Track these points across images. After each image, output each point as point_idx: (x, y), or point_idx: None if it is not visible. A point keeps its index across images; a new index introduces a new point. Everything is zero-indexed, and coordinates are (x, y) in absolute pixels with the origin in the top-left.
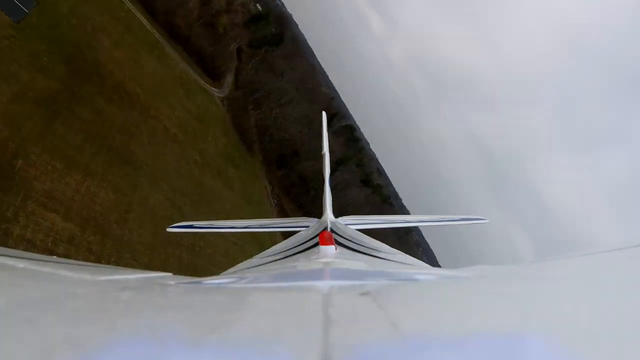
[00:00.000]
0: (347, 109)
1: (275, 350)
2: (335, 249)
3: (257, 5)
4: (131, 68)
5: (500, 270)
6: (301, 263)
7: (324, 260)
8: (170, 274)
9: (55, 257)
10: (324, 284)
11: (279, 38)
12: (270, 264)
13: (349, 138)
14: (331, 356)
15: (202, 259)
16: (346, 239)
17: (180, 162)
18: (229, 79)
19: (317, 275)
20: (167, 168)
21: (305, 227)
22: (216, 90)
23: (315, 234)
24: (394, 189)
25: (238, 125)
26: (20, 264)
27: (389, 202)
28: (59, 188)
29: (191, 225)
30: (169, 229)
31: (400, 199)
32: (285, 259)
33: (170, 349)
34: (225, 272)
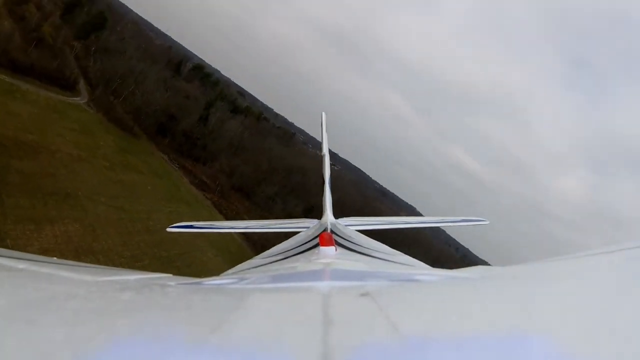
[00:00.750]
0: (188, 50)
1: (275, 351)
2: (336, 249)
3: None
4: (11, 121)
5: (500, 271)
6: (301, 264)
7: (324, 261)
8: (170, 275)
9: (55, 258)
10: (324, 285)
11: (100, 17)
12: (271, 264)
13: (202, 77)
14: (331, 357)
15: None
16: (346, 239)
17: (97, 173)
18: (82, 83)
19: (317, 276)
20: (92, 183)
21: (305, 227)
22: (78, 99)
23: (316, 234)
24: (262, 102)
25: (114, 120)
26: (21, 265)
27: (263, 118)
28: (45, 241)
29: (191, 225)
30: (168, 229)
31: (272, 109)
32: (286, 259)
33: (170, 350)
34: (226, 272)
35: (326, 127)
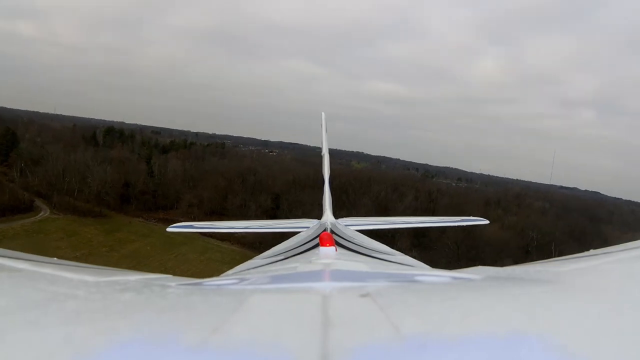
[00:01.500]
0: (86, 119)
1: (275, 352)
2: (336, 250)
3: None
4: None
5: (501, 271)
6: (301, 264)
7: (324, 261)
8: (170, 276)
9: (55, 258)
10: (324, 285)
11: (8, 133)
12: (271, 265)
13: (118, 137)
14: (331, 358)
15: None
16: (346, 240)
17: (105, 259)
18: (36, 200)
19: (317, 276)
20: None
21: (305, 228)
22: (43, 213)
23: (316, 235)
24: (179, 129)
25: (83, 213)
26: (21, 265)
27: (189, 144)
28: None
29: (191, 225)
30: (168, 229)
31: (190, 131)
32: (286, 260)
33: (170, 350)
34: (226, 273)
35: (326, 128)
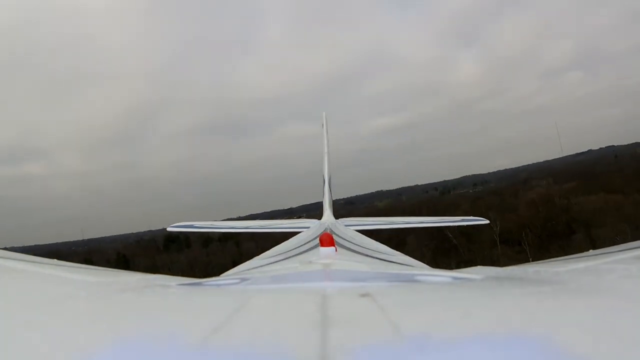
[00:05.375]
0: None
1: (275, 352)
2: (336, 250)
3: None
4: None
5: (501, 271)
6: (301, 264)
7: (325, 261)
8: (170, 276)
9: (56, 260)
10: (324, 285)
11: None
12: (271, 265)
13: None
14: (332, 358)
15: None
16: (346, 240)
17: None
18: None
19: (317, 276)
20: None
21: (305, 228)
22: None
23: (316, 235)
24: None
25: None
26: (22, 266)
27: None
28: None
29: (192, 225)
30: (169, 229)
31: None
32: (286, 260)
33: (171, 350)
34: (226, 273)
35: (327, 128)
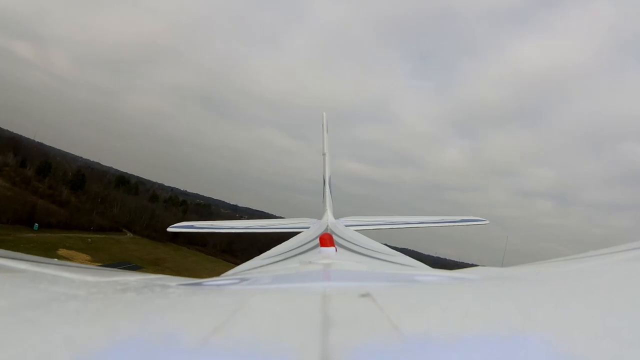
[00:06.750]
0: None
1: (275, 352)
2: (336, 250)
3: None
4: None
5: (500, 271)
6: (301, 264)
7: (324, 261)
8: (170, 276)
9: (56, 259)
10: (324, 286)
11: (79, 175)
12: (271, 265)
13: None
14: (332, 358)
15: None
16: (346, 240)
17: (189, 262)
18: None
19: (317, 276)
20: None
21: (305, 228)
22: (129, 235)
23: (316, 235)
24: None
25: (155, 239)
26: (22, 265)
27: (182, 202)
28: None
29: (192, 225)
30: (169, 229)
31: (183, 189)
32: (286, 260)
33: (171, 350)
34: (226, 273)
35: (327, 127)
